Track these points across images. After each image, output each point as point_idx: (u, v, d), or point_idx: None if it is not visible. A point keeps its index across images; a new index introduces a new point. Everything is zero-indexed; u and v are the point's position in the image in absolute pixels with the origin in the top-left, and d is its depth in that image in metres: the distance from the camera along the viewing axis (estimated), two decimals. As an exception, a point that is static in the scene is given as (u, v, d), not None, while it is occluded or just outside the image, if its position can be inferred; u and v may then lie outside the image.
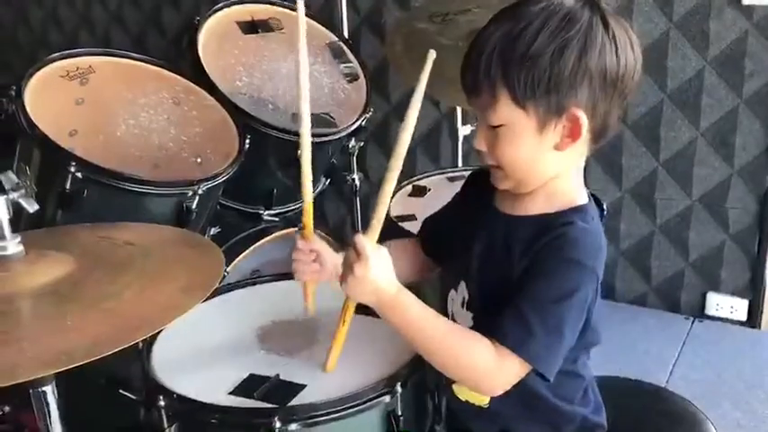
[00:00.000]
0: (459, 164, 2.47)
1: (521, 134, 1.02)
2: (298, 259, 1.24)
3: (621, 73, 1.02)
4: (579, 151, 1.07)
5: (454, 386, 1.19)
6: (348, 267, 1.04)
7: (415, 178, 2.13)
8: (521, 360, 1.01)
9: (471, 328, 1.10)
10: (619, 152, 2.57)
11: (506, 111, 1.00)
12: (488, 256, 1.10)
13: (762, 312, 2.56)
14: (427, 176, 2.16)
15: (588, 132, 1.03)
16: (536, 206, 1.09)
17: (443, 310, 1.18)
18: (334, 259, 1.23)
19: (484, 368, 1.04)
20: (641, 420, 1.37)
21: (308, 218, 1.24)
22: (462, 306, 1.14)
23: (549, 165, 1.06)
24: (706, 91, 2.43)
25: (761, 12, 2.28)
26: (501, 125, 1.02)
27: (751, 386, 2.27)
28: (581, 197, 1.10)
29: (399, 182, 2.16)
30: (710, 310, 2.63)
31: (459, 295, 1.15)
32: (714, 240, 2.57)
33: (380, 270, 1.03)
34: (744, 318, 2.59)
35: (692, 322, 2.61)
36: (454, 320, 1.15)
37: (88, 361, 0.86)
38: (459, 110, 2.43)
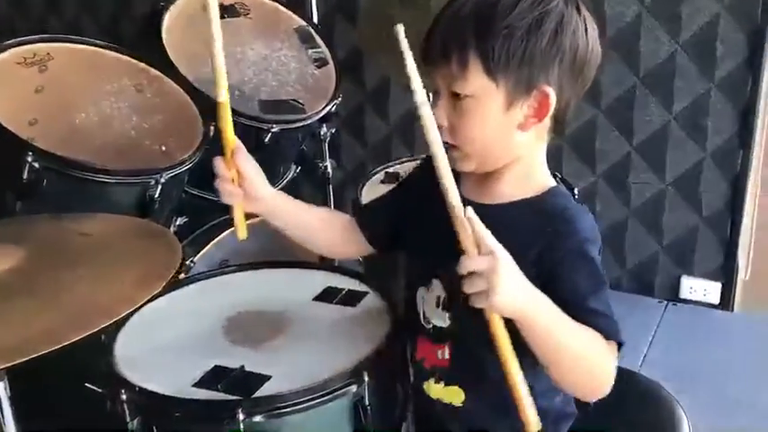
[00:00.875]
0: (432, 150, 2.44)
1: (487, 108, 0.98)
2: (220, 186, 1.12)
3: (588, 58, 1.00)
4: (540, 136, 1.05)
5: (425, 384, 1.16)
6: (484, 278, 0.87)
7: (386, 165, 2.11)
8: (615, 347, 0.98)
9: (450, 327, 1.07)
10: (592, 136, 2.57)
11: (476, 81, 0.96)
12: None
13: (734, 295, 2.58)
14: (400, 163, 2.14)
15: (551, 117, 1.01)
16: (509, 192, 1.06)
17: (410, 310, 1.15)
18: (264, 188, 1.14)
19: (602, 372, 0.98)
20: (614, 405, 1.36)
21: (224, 122, 1.11)
22: (438, 306, 1.10)
23: (511, 145, 1.03)
24: (678, 74, 2.43)
25: (731, -6, 2.28)
26: (467, 96, 0.97)
27: (723, 369, 2.28)
28: (551, 180, 1.08)
29: (372, 168, 2.15)
30: (684, 293, 2.64)
31: (431, 294, 1.11)
32: (687, 224, 2.58)
33: (515, 267, 0.90)
34: (716, 301, 2.60)
35: (666, 306, 2.62)
36: (427, 320, 1.12)
37: (38, 355, 0.83)
38: (431, 96, 2.39)
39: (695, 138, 2.47)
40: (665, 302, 2.63)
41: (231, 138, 1.13)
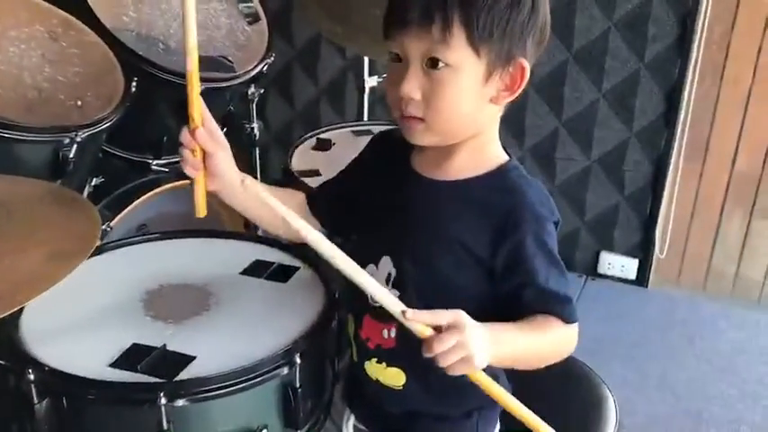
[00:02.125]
0: (365, 117, 2.38)
1: (465, 79, 0.95)
2: (184, 154, 1.05)
3: (547, 28, 1.00)
4: (500, 110, 1.03)
5: (366, 364, 1.13)
6: (458, 349, 0.88)
7: (318, 131, 2.03)
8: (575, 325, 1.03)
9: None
10: (522, 111, 2.56)
11: (459, 51, 0.93)
12: (424, 228, 1.03)
13: (650, 272, 2.66)
14: (331, 129, 2.07)
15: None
16: (464, 167, 1.03)
17: (356, 287, 1.10)
18: (228, 168, 1.07)
19: (565, 349, 1.04)
20: (540, 382, 1.37)
21: (191, 93, 1.05)
22: (387, 283, 1.06)
23: (480, 118, 1.01)
24: (610, 53, 2.45)
25: (667, -24, 2.29)
26: (445, 66, 0.94)
27: (637, 343, 2.36)
28: (504, 154, 1.06)
29: (299, 131, 2.07)
30: (602, 268, 2.71)
31: (381, 272, 1.07)
32: (609, 201, 2.63)
33: (477, 326, 0.91)
34: (633, 277, 2.68)
35: (585, 280, 2.68)
36: (374, 300, 1.05)
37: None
38: (366, 60, 2.32)
39: (622, 117, 2.51)
40: (585, 277, 2.68)
41: (198, 110, 1.05)
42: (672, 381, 2.21)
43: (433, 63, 0.94)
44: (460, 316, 0.90)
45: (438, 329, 0.89)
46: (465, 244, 1.01)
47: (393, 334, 1.08)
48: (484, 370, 0.95)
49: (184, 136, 1.04)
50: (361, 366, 1.14)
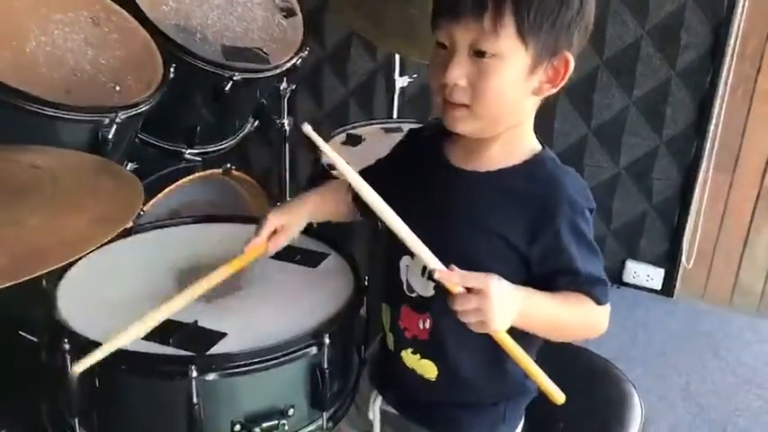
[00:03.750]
0: (395, 115, 2.39)
1: (512, 69, 0.96)
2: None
3: (591, 27, 1.01)
4: (539, 100, 1.03)
5: (403, 353, 1.14)
6: (478, 311, 0.93)
7: (349, 126, 2.05)
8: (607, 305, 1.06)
9: (434, 297, 1.07)
10: (552, 116, 2.56)
11: (507, 41, 0.94)
12: (461, 219, 1.04)
13: (676, 282, 2.64)
14: (362, 126, 2.08)
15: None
16: (499, 158, 1.04)
17: (391, 277, 1.13)
18: (288, 222, 1.21)
19: (597, 326, 1.06)
20: (565, 379, 1.37)
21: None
22: (422, 274, 1.08)
23: (521, 108, 1.02)
24: (641, 60, 2.44)
25: (701, -16, 2.29)
26: (492, 56, 0.95)
27: (662, 353, 2.34)
28: (537, 144, 1.07)
29: (328, 130, 2.09)
30: (628, 277, 2.69)
31: (417, 264, 1.08)
32: (636, 209, 2.61)
33: (504, 288, 0.95)
34: (659, 287, 2.66)
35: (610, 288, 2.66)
36: (410, 290, 1.10)
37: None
38: (397, 60, 2.34)
39: (652, 125, 2.50)
40: (610, 285, 2.66)
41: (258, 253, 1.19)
42: (696, 391, 2.19)
43: (480, 52, 0.95)
44: (488, 283, 0.93)
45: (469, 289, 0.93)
46: (503, 234, 1.02)
47: (428, 325, 1.09)
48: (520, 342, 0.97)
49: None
50: (397, 355, 1.15)
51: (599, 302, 1.03)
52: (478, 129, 1.02)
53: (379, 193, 1.13)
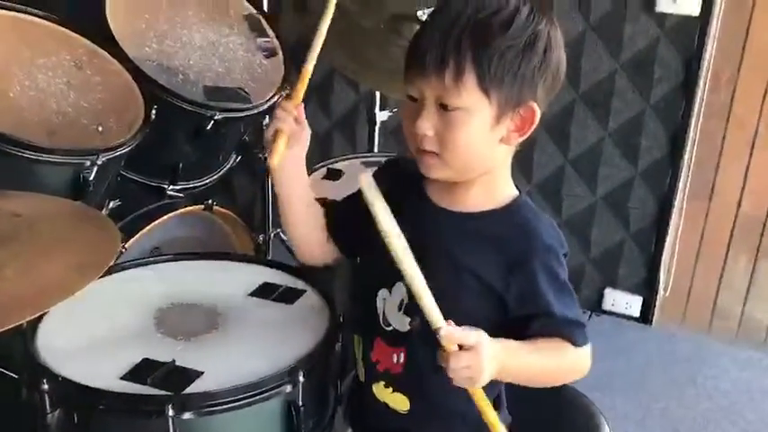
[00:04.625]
0: (375, 149, 2.44)
1: (476, 121, 0.99)
2: (279, 114, 1.12)
3: (562, 71, 1.03)
4: (513, 149, 1.07)
5: (374, 386, 1.16)
6: (469, 368, 0.94)
7: (329, 161, 2.09)
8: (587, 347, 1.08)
9: (409, 332, 1.09)
10: (531, 148, 2.61)
11: (470, 95, 0.97)
12: (438, 257, 1.06)
13: (654, 310, 2.68)
14: (342, 160, 2.12)
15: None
16: (477, 201, 1.07)
17: (368, 311, 1.14)
18: (305, 145, 1.15)
19: (580, 368, 1.09)
20: (534, 409, 1.39)
21: (302, 83, 1.17)
22: (399, 309, 1.10)
23: (492, 157, 1.05)
24: (616, 93, 2.49)
25: (672, 20, 2.35)
26: (457, 109, 0.98)
27: (640, 380, 2.37)
28: (514, 189, 1.10)
29: (313, 164, 2.12)
30: (607, 305, 2.72)
31: (394, 297, 1.10)
32: (614, 238, 2.66)
33: (489, 344, 0.96)
34: (637, 314, 2.70)
35: (590, 316, 2.69)
36: (386, 323, 1.12)
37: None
38: (377, 94, 2.39)
39: (628, 156, 2.55)
40: (589, 313, 2.70)
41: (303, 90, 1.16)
42: (674, 417, 2.22)
43: (445, 105, 0.98)
44: (481, 338, 0.95)
45: (459, 346, 0.94)
46: (479, 275, 1.05)
47: (402, 359, 1.11)
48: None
49: (286, 104, 1.13)
50: (368, 388, 1.17)
51: (576, 344, 1.05)
52: (450, 175, 1.05)
53: (358, 221, 1.13)
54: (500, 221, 1.06)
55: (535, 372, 1.05)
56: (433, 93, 0.99)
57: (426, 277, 1.02)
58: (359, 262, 1.25)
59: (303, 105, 1.14)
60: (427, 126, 1.00)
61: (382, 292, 1.12)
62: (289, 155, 1.12)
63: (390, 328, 1.12)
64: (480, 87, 0.97)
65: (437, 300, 0.96)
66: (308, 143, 1.15)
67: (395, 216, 1.07)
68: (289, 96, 1.16)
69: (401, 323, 1.10)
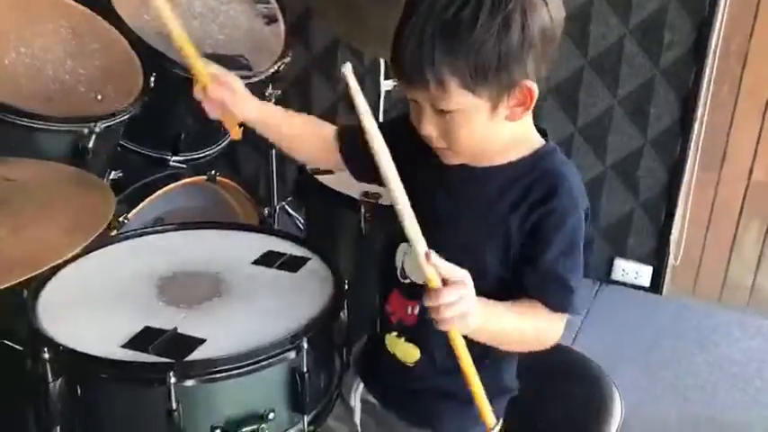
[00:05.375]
0: (381, 119, 2.40)
1: (474, 116, 0.98)
2: (203, 103, 1.13)
3: (554, 27, 0.99)
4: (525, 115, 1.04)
5: (387, 337, 1.15)
6: (461, 302, 0.90)
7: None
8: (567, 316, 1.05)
9: (422, 286, 1.02)
10: (538, 115, 2.55)
11: (458, 97, 0.96)
12: (465, 212, 1.06)
13: (664, 279, 2.65)
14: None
15: None
16: (501, 154, 1.05)
17: (387, 263, 1.13)
18: (244, 106, 1.16)
19: (546, 338, 1.06)
20: (548, 378, 1.38)
21: (194, 62, 1.12)
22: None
23: (503, 135, 1.03)
24: (625, 59, 2.45)
25: (683, -17, 2.30)
26: (451, 111, 0.98)
27: (650, 350, 2.35)
28: (540, 138, 1.08)
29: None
30: (616, 275, 2.70)
31: (415, 251, 1.08)
32: (624, 207, 2.62)
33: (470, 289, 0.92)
34: (647, 284, 2.67)
35: (599, 286, 2.67)
36: (404, 276, 1.11)
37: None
38: (382, 63, 2.35)
39: (637, 123, 2.51)
40: (598, 283, 2.68)
41: (200, 70, 1.12)
42: (683, 385, 2.20)
43: (440, 110, 0.98)
44: (468, 277, 0.92)
45: (444, 284, 0.90)
46: (507, 228, 1.03)
47: (416, 311, 1.11)
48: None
49: (198, 95, 1.13)
50: (381, 338, 1.17)
51: (553, 309, 1.02)
52: (469, 160, 1.05)
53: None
54: (526, 169, 1.04)
55: (508, 332, 1.02)
56: (424, 99, 0.99)
57: (457, 236, 1.05)
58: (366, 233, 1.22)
59: (213, 76, 1.13)
60: (430, 129, 1.01)
61: (403, 246, 1.11)
62: (232, 102, 1.13)
63: (408, 281, 1.11)
64: (466, 89, 0.95)
65: (465, 259, 0.93)
66: (243, 93, 1.15)
67: (422, 165, 1.07)
68: (195, 81, 1.13)
69: (419, 276, 1.06)
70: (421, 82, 0.95)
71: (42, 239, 0.87)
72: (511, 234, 1.03)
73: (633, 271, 2.67)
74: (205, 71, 1.12)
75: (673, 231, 2.58)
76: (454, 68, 0.93)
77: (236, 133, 1.19)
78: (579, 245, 1.04)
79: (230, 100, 1.13)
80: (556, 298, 1.03)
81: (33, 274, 0.81)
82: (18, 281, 0.80)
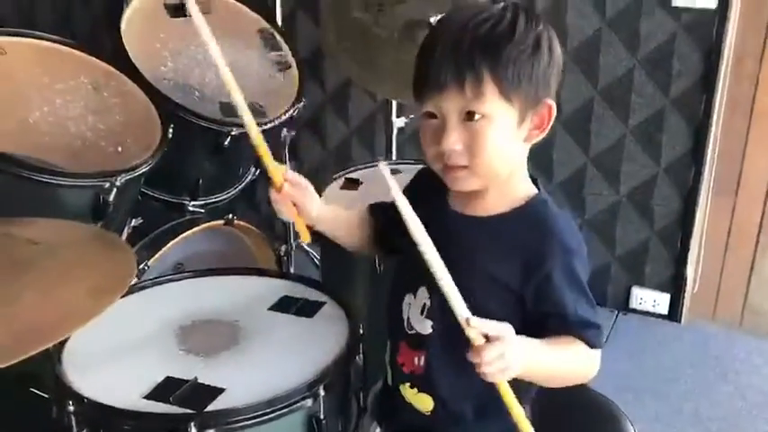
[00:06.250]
0: (394, 156, 2.44)
1: (502, 126, 1.02)
2: (277, 209, 1.18)
3: (562, 64, 1.07)
4: (527, 147, 1.09)
5: (401, 387, 1.18)
6: (501, 358, 0.94)
7: (346, 171, 2.09)
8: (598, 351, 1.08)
9: (430, 336, 1.11)
10: (550, 147, 2.60)
11: (493, 104, 1.00)
12: (458, 262, 1.05)
13: (682, 306, 2.64)
14: (360, 169, 2.12)
15: None
16: (494, 205, 1.09)
17: (395, 315, 1.16)
18: (312, 208, 1.18)
19: (588, 373, 1.10)
20: (560, 415, 1.38)
21: (269, 163, 1.14)
22: (422, 313, 1.12)
23: (516, 158, 1.08)
24: (635, 89, 2.47)
25: (689, 14, 2.32)
26: (482, 117, 1.01)
27: (670, 379, 2.34)
28: (533, 187, 1.12)
29: (332, 174, 2.14)
30: (634, 303, 2.69)
31: (418, 301, 1.13)
32: (640, 236, 2.63)
33: (518, 339, 0.97)
34: (665, 312, 2.66)
35: (617, 315, 2.67)
36: (410, 326, 1.14)
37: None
38: (394, 102, 2.40)
39: (650, 152, 2.52)
40: (616, 312, 2.68)
41: (275, 171, 1.15)
42: (705, 417, 2.18)
43: (469, 116, 1.01)
44: (509, 329, 0.96)
45: (487, 339, 0.95)
46: (497, 278, 1.06)
47: (422, 362, 1.13)
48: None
49: (274, 196, 1.16)
50: (396, 389, 1.19)
51: (591, 346, 1.06)
52: (479, 184, 1.07)
53: (392, 223, 1.14)
54: (516, 222, 1.07)
55: (553, 370, 1.05)
56: (454, 107, 1.01)
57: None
58: (380, 274, 1.26)
59: (287, 177, 1.15)
60: (454, 140, 1.02)
61: (408, 297, 1.15)
62: (303, 203, 1.17)
63: (413, 332, 1.14)
64: (501, 94, 1.00)
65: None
66: (312, 192, 1.18)
67: (423, 221, 1.09)
68: (270, 182, 1.17)
69: (423, 326, 1.12)
70: (458, 85, 0.99)
71: (68, 303, 0.90)
72: (512, 289, 1.06)
73: (651, 299, 2.66)
74: (279, 173, 1.14)
75: (689, 258, 2.57)
76: (493, 73, 0.98)
77: (306, 236, 1.20)
78: (584, 283, 1.07)
79: (302, 201, 1.16)
80: (589, 337, 1.06)
81: (60, 340, 0.84)
82: (46, 346, 0.84)
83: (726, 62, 2.35)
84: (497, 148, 1.03)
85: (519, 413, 0.99)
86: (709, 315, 2.65)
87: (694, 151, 2.47)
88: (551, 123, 1.05)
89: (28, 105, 1.63)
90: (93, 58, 1.75)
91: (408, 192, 1.20)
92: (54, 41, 1.73)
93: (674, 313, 2.65)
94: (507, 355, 0.94)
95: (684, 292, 2.62)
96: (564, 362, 1.06)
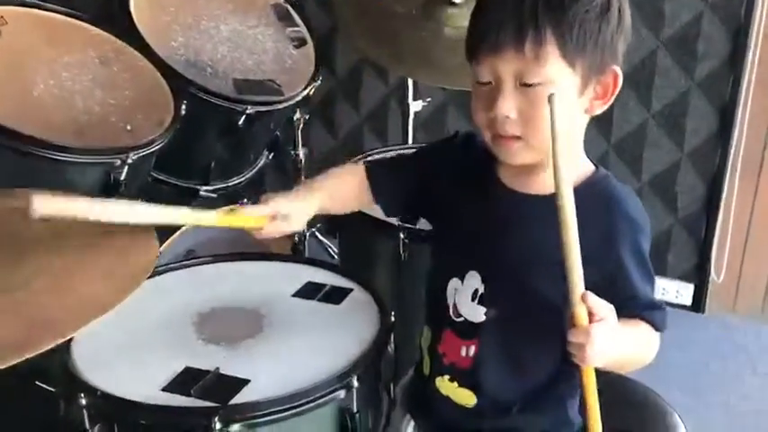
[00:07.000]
0: (410, 142, 2.35)
1: (562, 95, 0.93)
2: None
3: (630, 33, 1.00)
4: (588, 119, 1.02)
5: (437, 379, 1.10)
6: (585, 344, 0.87)
7: (359, 157, 2.00)
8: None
9: (483, 324, 1.04)
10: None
11: (553, 67, 0.93)
12: (518, 245, 1.01)
13: (706, 297, 2.56)
14: (373, 155, 2.03)
15: None
16: (550, 181, 0.98)
17: (438, 301, 1.09)
18: (293, 210, 1.11)
19: (650, 357, 1.04)
20: (605, 410, 1.31)
21: (244, 225, 1.11)
22: (473, 299, 1.05)
23: (574, 130, 1.00)
24: (658, 72, 2.39)
25: (716, -8, 2.24)
26: (540, 84, 0.93)
27: (697, 371, 2.26)
28: (590, 163, 1.06)
29: (344, 160, 2.05)
30: (657, 294, 2.60)
31: (466, 287, 1.05)
32: (662, 224, 2.55)
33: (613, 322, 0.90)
34: (689, 302, 2.58)
35: (639, 307, 2.59)
36: (457, 314, 1.06)
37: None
38: (410, 84, 2.30)
39: (673, 137, 2.44)
40: (638, 303, 2.60)
41: (253, 224, 1.10)
42: (737, 411, 2.11)
43: (527, 82, 0.94)
44: (613, 312, 0.89)
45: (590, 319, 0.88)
46: (559, 260, 0.95)
47: (471, 353, 1.06)
48: None
49: (259, 236, 1.11)
50: (432, 381, 1.11)
51: (657, 329, 1.01)
52: (533, 157, 0.99)
53: (409, 184, 1.13)
54: (581, 198, 0.96)
55: (628, 355, 0.98)
56: (510, 70, 0.94)
57: (510, 269, 1.01)
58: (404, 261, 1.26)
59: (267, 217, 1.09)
60: (509, 107, 0.95)
61: (453, 282, 1.07)
62: (290, 226, 1.11)
63: (461, 319, 1.06)
64: (563, 57, 0.92)
65: (521, 293, 0.95)
66: (279, 202, 1.10)
67: (467, 197, 1.06)
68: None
69: (474, 313, 1.05)
70: (516, 45, 0.92)
71: (84, 290, 0.80)
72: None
73: (674, 290, 2.58)
74: (255, 222, 1.08)
75: (714, 247, 2.49)
76: (556, 33, 0.91)
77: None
78: (649, 262, 1.04)
79: (288, 227, 1.10)
80: (657, 320, 1.02)
81: (76, 332, 0.74)
82: (62, 340, 0.74)
83: (754, 43, 2.27)
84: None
85: (595, 403, 0.92)
86: (731, 304, 2.57)
87: (719, 136, 2.39)
88: (616, 93, 0.98)
89: (32, 78, 1.54)
90: (102, 32, 1.68)
91: (445, 153, 1.14)
92: (60, 12, 1.65)
93: (697, 304, 2.57)
94: (610, 338, 0.88)
95: (708, 282, 2.54)
96: (635, 346, 0.99)
